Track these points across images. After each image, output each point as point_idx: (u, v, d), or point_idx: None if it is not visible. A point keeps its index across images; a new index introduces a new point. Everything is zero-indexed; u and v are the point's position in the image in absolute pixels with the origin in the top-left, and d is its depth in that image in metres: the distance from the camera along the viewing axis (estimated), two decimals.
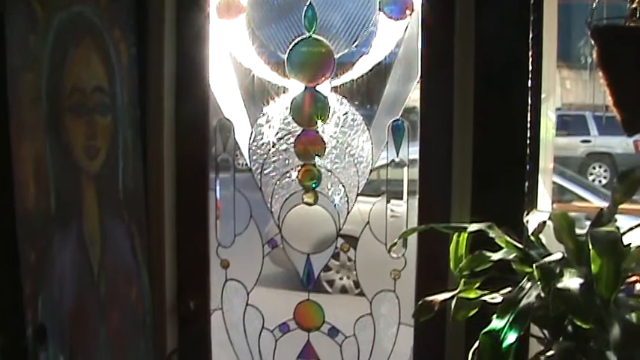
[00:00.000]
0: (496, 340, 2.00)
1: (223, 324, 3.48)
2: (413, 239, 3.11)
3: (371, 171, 3.19)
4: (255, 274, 3.41)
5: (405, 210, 3.19)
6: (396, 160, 3.15)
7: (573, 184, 8.78)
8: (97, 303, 3.03)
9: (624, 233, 2.26)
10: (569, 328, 2.20)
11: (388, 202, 3.21)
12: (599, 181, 15.75)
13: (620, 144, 16.11)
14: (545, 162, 3.04)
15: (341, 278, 5.43)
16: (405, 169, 3.18)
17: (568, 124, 16.25)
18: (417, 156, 3.09)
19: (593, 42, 2.41)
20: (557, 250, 2.27)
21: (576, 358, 2.18)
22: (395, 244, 2.79)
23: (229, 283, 3.45)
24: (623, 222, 2.38)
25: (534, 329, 2.34)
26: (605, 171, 16.10)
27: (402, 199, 3.20)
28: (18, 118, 2.63)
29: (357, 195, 3.21)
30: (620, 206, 2.39)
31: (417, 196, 3.08)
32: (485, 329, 2.03)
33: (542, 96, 2.87)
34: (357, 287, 3.35)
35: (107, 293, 3.06)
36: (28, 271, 2.68)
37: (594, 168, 16.13)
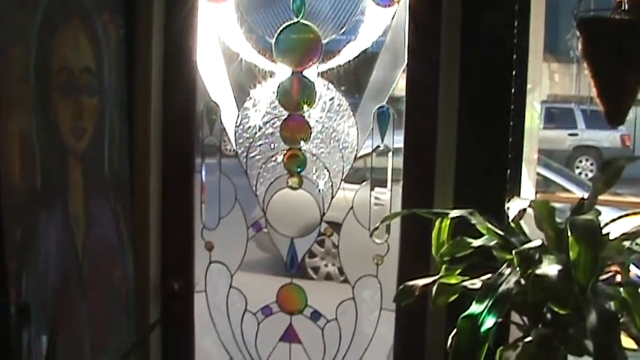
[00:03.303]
0: (474, 325, 2.02)
1: (206, 306, 3.49)
2: (396, 226, 3.13)
3: (356, 158, 3.20)
4: (239, 257, 3.43)
5: (389, 197, 3.20)
6: (381, 146, 3.16)
7: (559, 176, 8.80)
8: (81, 282, 3.04)
9: (607, 224, 2.28)
10: (548, 315, 2.21)
11: (372, 189, 3.22)
12: (586, 175, 15.83)
13: (607, 138, 16.19)
14: (530, 152, 3.06)
15: (326, 265, 5.44)
16: (390, 156, 3.19)
17: (556, 116, 16.31)
18: (402, 145, 3.10)
19: (578, 33, 2.43)
20: (538, 237, 2.29)
21: (554, 345, 2.20)
22: (377, 228, 2.80)
23: (213, 265, 3.46)
24: (608, 214, 2.40)
25: (515, 317, 2.36)
26: (592, 164, 16.18)
27: (386, 187, 3.21)
28: (4, 94, 2.62)
29: (342, 180, 3.23)
30: (606, 198, 2.42)
31: (401, 183, 3.10)
32: (464, 314, 2.06)
33: (528, 87, 2.89)
34: (341, 274, 3.36)
35: (91, 273, 3.07)
36: (12, 249, 2.68)
37: (581, 161, 16.22)
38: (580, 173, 15.90)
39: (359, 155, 3.21)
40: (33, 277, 2.78)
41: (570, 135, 16.36)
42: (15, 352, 2.72)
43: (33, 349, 2.72)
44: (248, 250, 3.41)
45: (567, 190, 8.26)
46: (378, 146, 3.17)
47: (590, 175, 15.72)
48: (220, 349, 3.51)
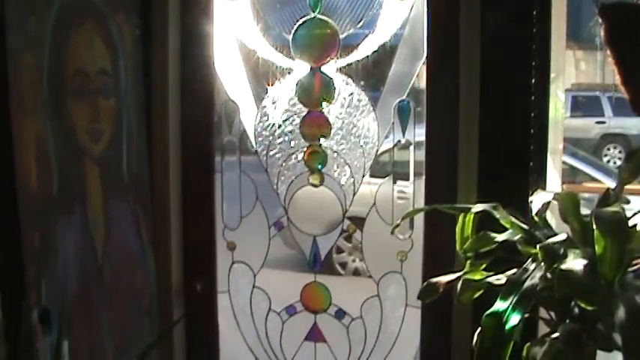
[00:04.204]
0: (499, 322, 1.98)
1: (230, 306, 3.47)
2: (420, 221, 3.09)
3: (377, 153, 3.17)
4: (262, 256, 3.41)
5: (412, 191, 3.16)
6: (402, 140, 3.12)
7: (586, 165, 8.70)
8: (102, 286, 3.03)
9: (635, 214, 2.23)
10: (576, 310, 2.17)
11: (395, 183, 3.19)
12: (614, 162, 15.66)
13: (635, 125, 16.01)
14: (555, 142, 3.01)
15: (353, 260, 5.42)
16: (412, 150, 3.15)
17: (582, 105, 16.19)
18: (423, 138, 3.06)
19: (600, 20, 2.38)
20: (564, 231, 2.25)
21: (582, 341, 2.15)
22: (398, 224, 2.77)
23: (236, 265, 3.44)
24: (636, 204, 2.35)
25: (543, 312, 2.32)
26: (620, 152, 16.01)
27: (408, 180, 3.17)
28: (19, 100, 2.62)
29: (363, 176, 3.19)
30: (634, 187, 2.36)
31: (424, 178, 3.06)
32: (488, 311, 2.01)
33: (552, 75, 2.84)
34: (369, 271, 3.33)
35: (112, 277, 3.06)
36: (31, 254, 2.68)
37: (609, 149, 16.05)
38: (608, 161, 15.76)
39: (380, 151, 3.18)
40: (53, 282, 2.77)
41: (598, 123, 16.23)
42: (37, 356, 2.71)
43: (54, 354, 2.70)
44: (271, 248, 3.38)
45: (595, 180, 8.17)
46: (400, 141, 3.13)
47: (619, 163, 15.60)
48: (245, 349, 3.48)
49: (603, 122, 16.35)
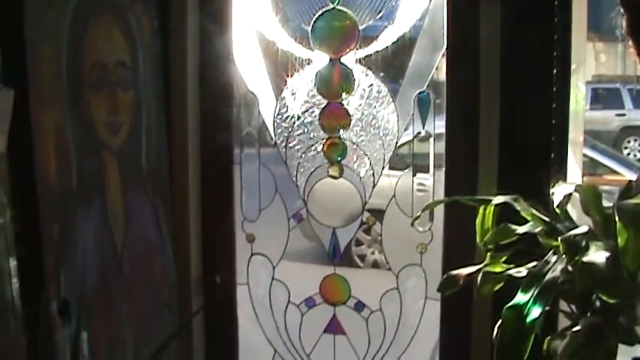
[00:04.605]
0: (520, 315, 1.96)
1: (249, 298, 3.47)
2: (440, 213, 3.08)
3: (397, 145, 3.15)
4: (281, 249, 3.40)
5: (432, 183, 3.15)
6: (422, 132, 3.10)
7: (607, 157, 8.65)
8: (121, 278, 3.03)
9: None
10: (597, 303, 2.15)
11: (414, 175, 3.17)
12: (634, 155, 15.58)
13: None
14: (576, 134, 2.98)
15: (372, 253, 5.42)
16: (432, 142, 3.13)
17: (602, 97, 16.10)
18: (443, 130, 3.04)
19: (622, 10, 2.35)
20: (585, 223, 2.23)
21: (604, 334, 2.13)
22: (418, 216, 2.75)
23: (255, 257, 3.44)
24: None
25: (563, 305, 2.30)
26: None
27: (428, 172, 3.16)
28: (38, 92, 2.63)
29: (383, 168, 3.18)
30: None
31: (444, 169, 3.04)
32: (509, 304, 2.00)
33: (572, 67, 2.82)
34: (388, 263, 3.32)
35: (131, 268, 3.06)
36: (50, 246, 2.69)
37: (629, 142, 15.96)
38: (629, 154, 15.67)
39: (400, 143, 3.16)
40: (72, 274, 2.78)
41: (618, 115, 16.14)
42: (56, 348, 2.72)
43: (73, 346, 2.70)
44: (290, 241, 3.38)
45: (615, 172, 8.12)
46: (419, 132, 3.11)
47: None
48: (264, 342, 3.48)
49: (623, 115, 16.25)
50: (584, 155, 3.47)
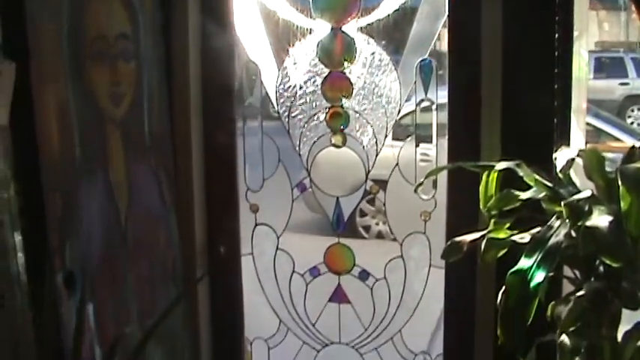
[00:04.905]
0: (523, 280, 1.97)
1: (254, 269, 3.47)
2: (443, 181, 3.07)
3: (399, 113, 3.14)
4: (285, 219, 3.40)
5: (435, 153, 3.14)
6: (425, 100, 3.09)
7: (610, 125, 8.63)
8: (125, 250, 3.04)
9: None
10: (601, 268, 2.15)
11: (417, 145, 3.16)
12: (638, 124, 15.56)
13: None
14: (579, 102, 2.97)
15: (377, 224, 5.43)
16: (434, 112, 3.12)
17: (605, 66, 16.05)
18: (446, 100, 3.04)
19: None
20: (588, 188, 2.22)
21: (607, 299, 2.14)
22: (422, 183, 2.73)
23: (259, 227, 3.44)
24: None
25: (567, 270, 2.30)
26: None
27: (431, 142, 3.15)
28: (39, 66, 2.63)
29: (386, 136, 3.17)
30: None
31: (447, 137, 3.04)
32: (513, 269, 2.00)
33: (575, 34, 2.81)
34: (392, 233, 3.32)
35: (135, 240, 3.07)
36: (54, 219, 2.71)
37: (632, 111, 15.92)
38: (632, 123, 15.63)
39: (403, 113, 3.15)
40: (76, 246, 2.79)
41: (621, 84, 16.10)
42: (61, 320, 2.73)
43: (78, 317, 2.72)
44: (294, 211, 3.38)
45: (619, 140, 8.11)
46: (422, 100, 3.10)
47: None
48: (269, 311, 3.49)
49: (627, 84, 16.21)
50: (587, 124, 3.46)
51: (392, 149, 3.22)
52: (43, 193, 2.67)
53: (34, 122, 2.64)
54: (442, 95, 3.06)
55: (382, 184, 3.27)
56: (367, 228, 5.58)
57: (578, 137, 2.97)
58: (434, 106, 3.11)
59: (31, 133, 2.65)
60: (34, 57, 2.61)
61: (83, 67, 2.84)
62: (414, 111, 3.13)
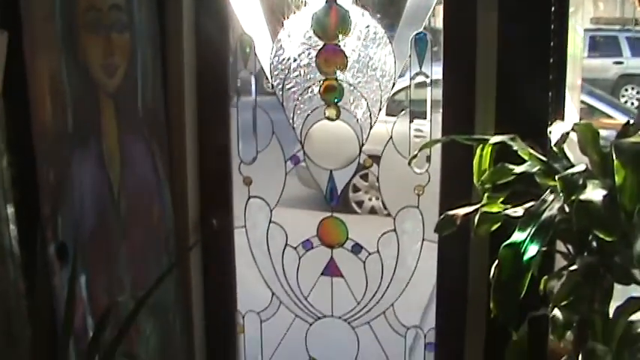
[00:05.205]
0: (516, 254, 1.97)
1: (247, 241, 3.47)
2: (437, 155, 3.07)
3: (394, 87, 3.13)
4: (279, 192, 3.39)
5: (429, 129, 3.14)
6: (419, 73, 3.08)
7: (603, 103, 8.64)
8: (118, 221, 3.03)
9: None
10: (594, 242, 2.15)
11: (411, 121, 3.16)
12: (632, 103, 15.55)
13: None
14: (574, 78, 2.97)
15: (370, 199, 5.44)
16: (429, 88, 3.11)
17: (600, 45, 16.02)
18: (440, 76, 3.02)
19: None
20: (582, 163, 2.22)
21: (600, 273, 2.14)
22: (415, 155, 2.73)
23: (252, 200, 3.43)
24: None
25: (560, 245, 2.30)
26: (638, 93, 15.88)
27: (425, 118, 3.15)
28: (31, 35, 2.61)
29: (380, 110, 3.16)
30: None
31: (441, 113, 3.03)
32: (506, 242, 2.00)
33: (571, 10, 2.80)
34: (385, 208, 3.32)
35: (128, 211, 3.07)
36: (46, 190, 2.70)
37: (626, 90, 15.90)
38: (626, 102, 15.62)
39: (397, 88, 3.14)
40: (69, 217, 2.78)
41: (615, 63, 16.07)
42: (54, 291, 2.73)
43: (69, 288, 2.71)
44: (287, 184, 3.37)
45: (612, 118, 8.11)
46: (417, 73, 3.09)
47: (637, 103, 15.46)
48: (262, 284, 3.49)
49: (621, 62, 16.18)
50: (582, 102, 3.46)
51: (385, 125, 3.21)
52: (36, 164, 2.66)
53: (27, 92, 2.63)
54: (437, 72, 3.05)
55: (376, 159, 3.26)
56: (360, 203, 5.59)
57: (572, 114, 2.97)
58: (428, 81, 3.09)
59: (24, 103, 2.63)
60: (27, 26, 2.59)
61: (76, 38, 2.82)
62: (409, 86, 3.12)
